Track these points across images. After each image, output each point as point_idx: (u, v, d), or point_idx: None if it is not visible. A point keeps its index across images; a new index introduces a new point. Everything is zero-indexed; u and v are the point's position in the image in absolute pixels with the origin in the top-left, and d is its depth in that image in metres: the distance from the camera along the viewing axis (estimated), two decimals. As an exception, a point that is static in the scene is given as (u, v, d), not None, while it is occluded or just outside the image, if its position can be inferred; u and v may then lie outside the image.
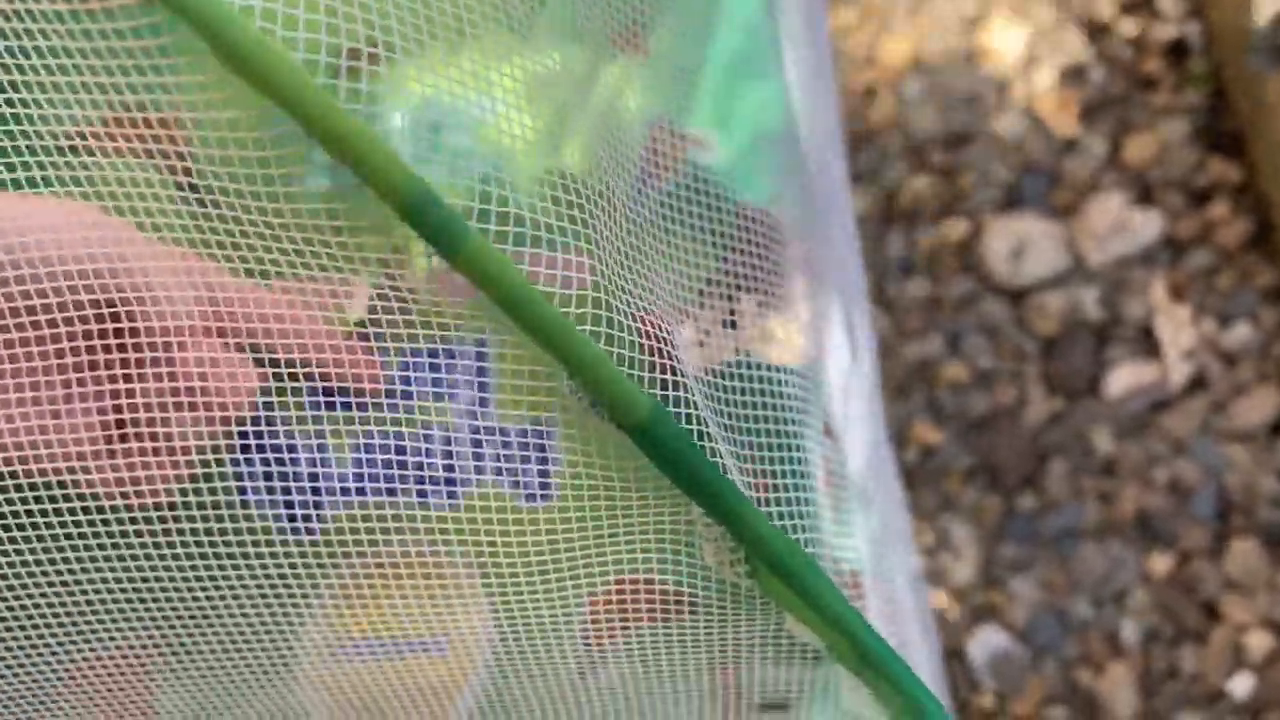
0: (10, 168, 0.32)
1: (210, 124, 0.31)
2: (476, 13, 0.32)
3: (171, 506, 0.35)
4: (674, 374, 0.33)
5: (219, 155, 0.31)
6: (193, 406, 0.33)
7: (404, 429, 0.36)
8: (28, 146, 0.32)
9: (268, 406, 0.35)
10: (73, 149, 0.32)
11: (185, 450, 0.33)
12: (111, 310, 0.32)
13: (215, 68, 0.29)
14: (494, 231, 0.31)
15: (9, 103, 0.31)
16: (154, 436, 0.33)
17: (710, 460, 0.30)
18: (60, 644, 0.38)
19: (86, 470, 0.33)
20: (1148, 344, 1.11)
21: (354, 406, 0.36)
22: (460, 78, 0.32)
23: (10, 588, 0.36)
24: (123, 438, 0.33)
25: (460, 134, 0.32)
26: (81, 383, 0.32)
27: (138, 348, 0.32)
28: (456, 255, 0.26)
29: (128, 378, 0.32)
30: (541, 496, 0.37)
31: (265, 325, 0.33)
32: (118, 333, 0.32)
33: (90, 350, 0.32)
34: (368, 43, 0.30)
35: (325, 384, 0.34)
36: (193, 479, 0.35)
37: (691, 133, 0.41)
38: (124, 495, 0.34)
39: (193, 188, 0.32)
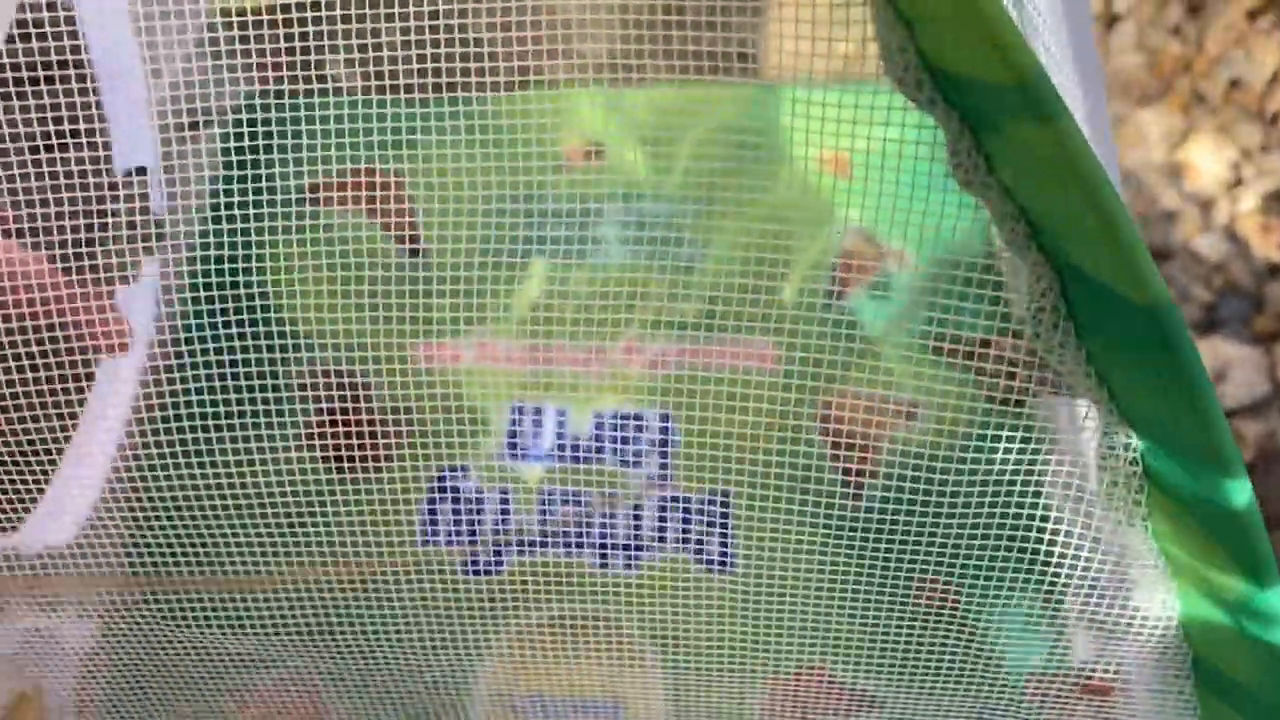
0: (245, 213, 0.33)
1: (440, 190, 0.33)
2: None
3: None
4: None
5: (441, 220, 0.34)
6: None
7: (588, 489, 0.37)
8: (269, 191, 0.33)
9: (448, 449, 0.35)
10: (308, 200, 0.34)
11: None
12: None
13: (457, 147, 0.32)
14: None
15: (268, 149, 0.34)
16: None
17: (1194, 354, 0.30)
18: (236, 666, 0.39)
19: None
20: (1348, 482, 1.07)
21: (535, 458, 0.36)
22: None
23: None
24: None
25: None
26: None
27: None
28: (1054, 125, 0.27)
29: None
30: (720, 566, 0.37)
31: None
32: None
33: None
34: None
35: (69, 342, 0.34)
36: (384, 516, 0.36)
37: (888, 246, 0.41)
38: None
39: (410, 240, 0.35)
